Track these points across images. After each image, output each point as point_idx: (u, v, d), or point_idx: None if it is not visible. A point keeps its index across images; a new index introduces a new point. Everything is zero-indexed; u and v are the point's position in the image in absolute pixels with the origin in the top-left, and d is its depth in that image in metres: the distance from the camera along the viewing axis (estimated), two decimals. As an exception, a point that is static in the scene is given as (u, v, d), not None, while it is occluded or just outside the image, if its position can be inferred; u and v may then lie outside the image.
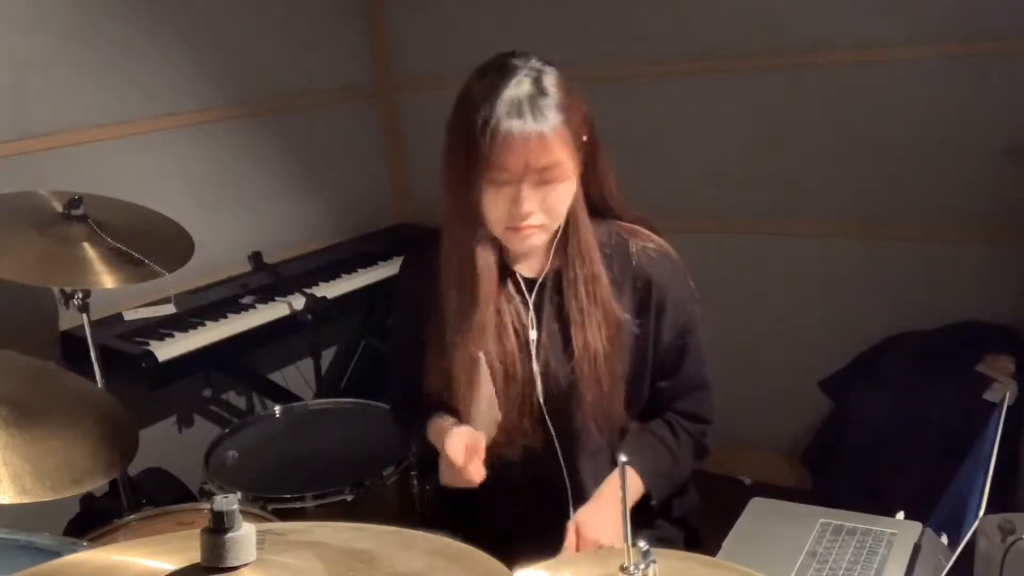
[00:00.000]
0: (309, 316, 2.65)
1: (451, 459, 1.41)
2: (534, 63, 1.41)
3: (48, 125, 2.51)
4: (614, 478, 1.52)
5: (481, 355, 1.46)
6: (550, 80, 1.39)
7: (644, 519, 1.57)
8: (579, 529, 1.43)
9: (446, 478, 1.46)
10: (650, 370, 1.56)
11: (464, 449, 1.42)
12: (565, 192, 1.42)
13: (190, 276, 2.50)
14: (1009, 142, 2.45)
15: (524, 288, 1.53)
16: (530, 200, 1.39)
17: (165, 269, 1.97)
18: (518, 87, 1.36)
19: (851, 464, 2.50)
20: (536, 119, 1.35)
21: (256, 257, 2.91)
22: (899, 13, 2.56)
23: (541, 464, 1.53)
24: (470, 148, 1.37)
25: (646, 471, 1.52)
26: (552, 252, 1.51)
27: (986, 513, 1.13)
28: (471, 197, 1.41)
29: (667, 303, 1.52)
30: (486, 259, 1.47)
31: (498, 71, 1.40)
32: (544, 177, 1.38)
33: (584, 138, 1.43)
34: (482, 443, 1.45)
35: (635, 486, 1.51)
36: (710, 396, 1.62)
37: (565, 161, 1.38)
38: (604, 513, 1.46)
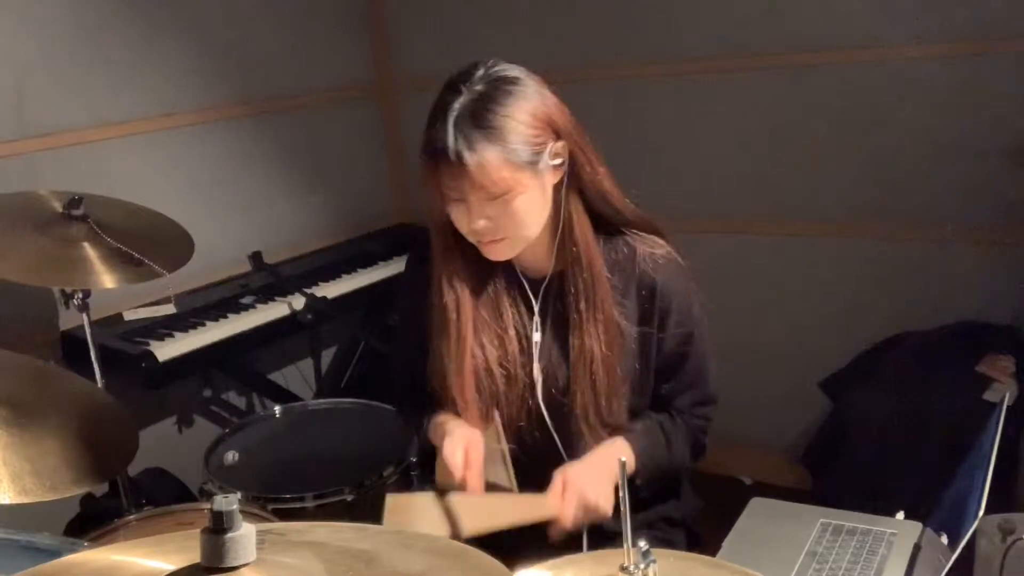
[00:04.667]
0: (309, 316, 2.65)
1: (450, 467, 1.42)
2: (491, 73, 1.39)
3: (48, 125, 2.51)
4: (609, 443, 1.51)
5: (496, 416, 1.48)
6: (499, 95, 1.36)
7: (642, 519, 1.57)
8: (566, 480, 1.43)
9: (442, 480, 1.46)
10: (653, 375, 1.56)
11: (464, 456, 1.43)
12: (523, 205, 1.39)
13: (190, 276, 2.49)
14: (1009, 142, 2.45)
15: (529, 290, 1.53)
16: (480, 216, 1.38)
17: (165, 269, 1.97)
18: (456, 106, 1.35)
19: (851, 464, 2.50)
20: (459, 142, 1.33)
21: (256, 257, 2.91)
22: (899, 13, 2.56)
23: (543, 465, 1.53)
24: (422, 164, 1.39)
25: (637, 447, 1.52)
26: (555, 255, 1.50)
27: (986, 513, 1.13)
28: (439, 208, 1.42)
29: (671, 309, 1.51)
30: (459, 273, 1.48)
31: (449, 86, 1.39)
32: (491, 193, 1.36)
33: (555, 144, 1.40)
34: (481, 449, 1.45)
35: (624, 454, 1.50)
36: (712, 401, 1.61)
37: (506, 179, 1.35)
38: (592, 470, 1.45)
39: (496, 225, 1.39)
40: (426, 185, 1.40)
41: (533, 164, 1.38)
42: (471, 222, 1.39)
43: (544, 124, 1.40)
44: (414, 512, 1.44)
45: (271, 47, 3.08)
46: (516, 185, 1.37)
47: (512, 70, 1.41)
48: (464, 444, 1.44)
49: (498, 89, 1.38)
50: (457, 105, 1.36)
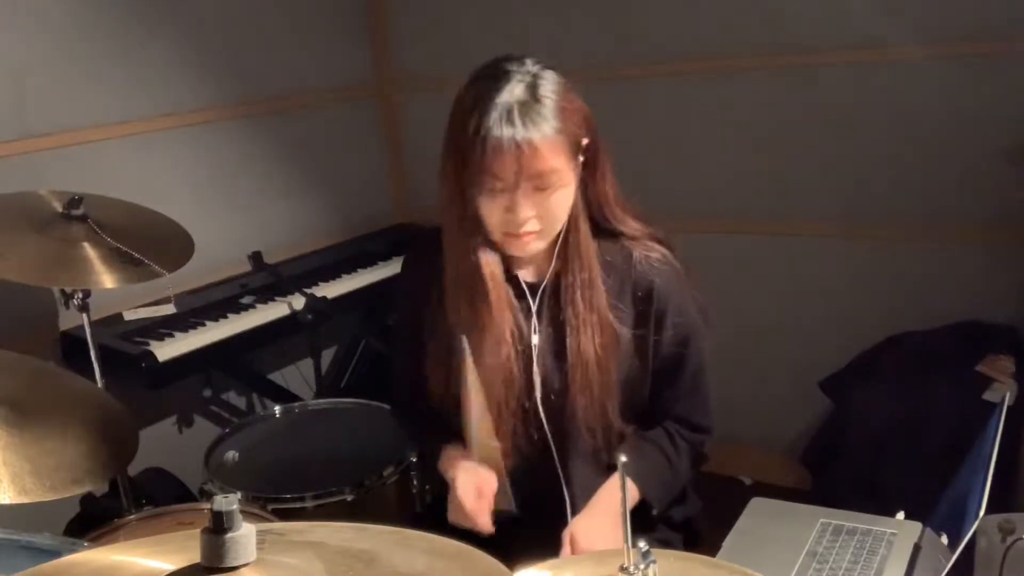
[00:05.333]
0: (309, 316, 2.65)
1: (462, 505, 1.44)
2: (530, 67, 1.39)
3: (48, 125, 2.51)
4: (608, 487, 1.51)
5: (471, 379, 1.46)
6: (546, 85, 1.37)
7: (643, 526, 1.57)
8: (574, 540, 1.43)
9: (454, 517, 1.47)
10: (650, 377, 1.55)
11: (475, 493, 1.44)
12: (563, 198, 1.41)
13: (190, 276, 2.50)
14: (1009, 142, 2.45)
15: (527, 293, 1.52)
16: (525, 207, 1.37)
17: (165, 269, 1.97)
18: (511, 93, 1.35)
19: (851, 464, 2.50)
20: (527, 126, 1.33)
21: (256, 257, 2.91)
22: (899, 13, 2.55)
23: (539, 468, 1.53)
24: (463, 155, 1.37)
25: (644, 480, 1.52)
26: (554, 256, 1.50)
27: (986, 513, 1.12)
28: (468, 204, 1.41)
29: (668, 312, 1.51)
30: (491, 266, 1.46)
31: (492, 77, 1.38)
32: (539, 184, 1.36)
33: (584, 141, 1.41)
34: (493, 486, 1.45)
35: (632, 495, 1.50)
36: (710, 405, 1.61)
37: (560, 168, 1.37)
38: (599, 523, 1.46)
39: (535, 217, 1.39)
40: (461, 179, 1.38)
41: (575, 156, 1.40)
42: (514, 214, 1.37)
43: (582, 117, 1.41)
44: None
45: (271, 47, 3.08)
46: (564, 176, 1.38)
47: (540, 64, 1.42)
48: (476, 484, 1.45)
49: (544, 79, 1.38)
50: (512, 93, 1.35)
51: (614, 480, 1.52)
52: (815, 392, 2.74)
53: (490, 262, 1.46)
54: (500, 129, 1.33)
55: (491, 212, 1.40)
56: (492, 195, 1.38)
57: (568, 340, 1.48)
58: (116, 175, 2.60)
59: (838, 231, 2.79)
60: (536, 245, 1.45)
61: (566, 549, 1.42)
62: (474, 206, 1.41)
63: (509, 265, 1.51)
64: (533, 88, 1.36)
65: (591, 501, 1.50)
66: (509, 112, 1.33)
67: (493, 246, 1.46)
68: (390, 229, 3.47)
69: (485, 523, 1.43)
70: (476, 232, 1.44)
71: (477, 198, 1.39)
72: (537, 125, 1.33)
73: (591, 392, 1.48)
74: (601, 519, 1.46)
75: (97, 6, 2.60)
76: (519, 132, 1.32)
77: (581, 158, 1.42)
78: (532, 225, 1.40)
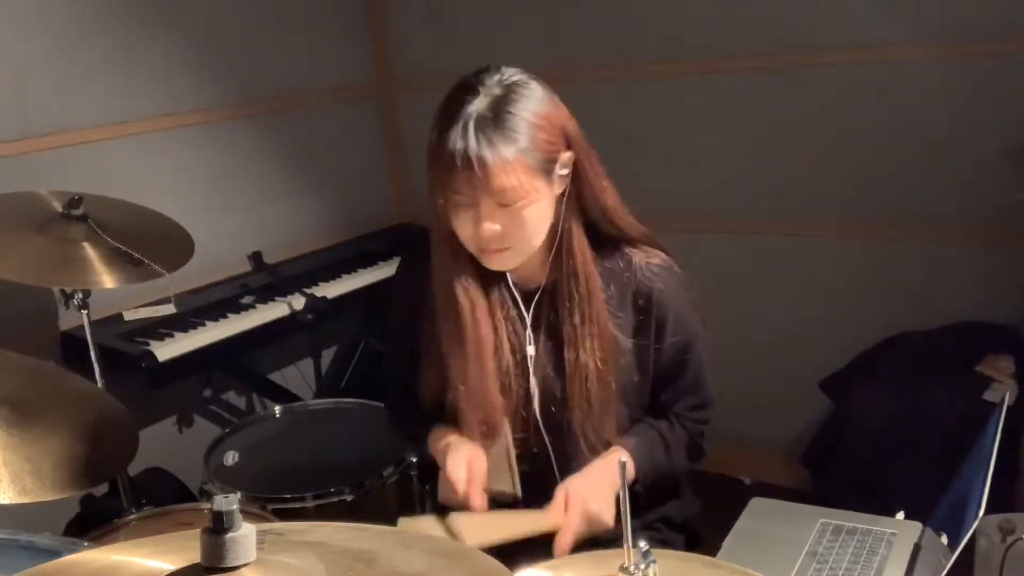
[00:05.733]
0: (309, 316, 2.65)
1: (452, 483, 1.43)
2: (506, 78, 1.37)
3: (48, 125, 2.51)
4: (607, 455, 1.51)
5: (506, 423, 1.47)
6: (517, 99, 1.34)
7: (641, 520, 1.57)
8: (568, 494, 1.42)
9: (445, 496, 1.47)
10: (650, 384, 1.55)
11: (465, 472, 1.43)
12: (533, 214, 1.37)
13: (190, 276, 2.50)
14: (1009, 142, 2.45)
15: (521, 302, 1.51)
16: (490, 223, 1.35)
17: (165, 269, 1.97)
18: (475, 108, 1.32)
19: (851, 464, 2.50)
20: (481, 143, 1.30)
21: (256, 257, 2.91)
22: (899, 13, 2.56)
23: (539, 475, 1.53)
24: (430, 168, 1.36)
25: (636, 452, 1.51)
26: (549, 266, 1.49)
27: (986, 513, 1.13)
28: (445, 216, 1.40)
29: (668, 319, 1.50)
30: (465, 282, 1.45)
31: (462, 89, 1.36)
32: (502, 200, 1.34)
33: (565, 155, 1.39)
34: (484, 465, 1.45)
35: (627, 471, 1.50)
36: (709, 405, 1.61)
37: (521, 185, 1.33)
38: (594, 482, 1.45)
39: (503, 234, 1.37)
40: (433, 190, 1.37)
41: (547, 172, 1.37)
42: (479, 229, 1.36)
43: (559, 132, 1.38)
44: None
45: (271, 47, 3.08)
46: (531, 192, 1.35)
47: (524, 75, 1.40)
48: (466, 461, 1.45)
49: (516, 93, 1.35)
50: (474, 107, 1.33)
51: (611, 451, 1.51)
52: (815, 392, 2.74)
53: (467, 277, 1.45)
54: (456, 145, 1.31)
55: (461, 226, 1.39)
56: (457, 209, 1.37)
57: (566, 354, 1.47)
58: (116, 175, 2.60)
59: (838, 231, 2.79)
60: (510, 261, 1.42)
61: (559, 501, 1.42)
62: (449, 219, 1.40)
63: (504, 273, 1.50)
64: (501, 103, 1.33)
65: (587, 466, 1.50)
66: (466, 127, 1.31)
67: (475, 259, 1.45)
68: (390, 229, 3.47)
69: (477, 501, 1.42)
70: (458, 243, 1.43)
71: (451, 211, 1.38)
72: (492, 143, 1.31)
73: (590, 405, 1.47)
74: (596, 481, 1.45)
75: (97, 6, 2.60)
76: (472, 148, 1.30)
77: (564, 171, 1.40)
78: (500, 241, 1.38)
